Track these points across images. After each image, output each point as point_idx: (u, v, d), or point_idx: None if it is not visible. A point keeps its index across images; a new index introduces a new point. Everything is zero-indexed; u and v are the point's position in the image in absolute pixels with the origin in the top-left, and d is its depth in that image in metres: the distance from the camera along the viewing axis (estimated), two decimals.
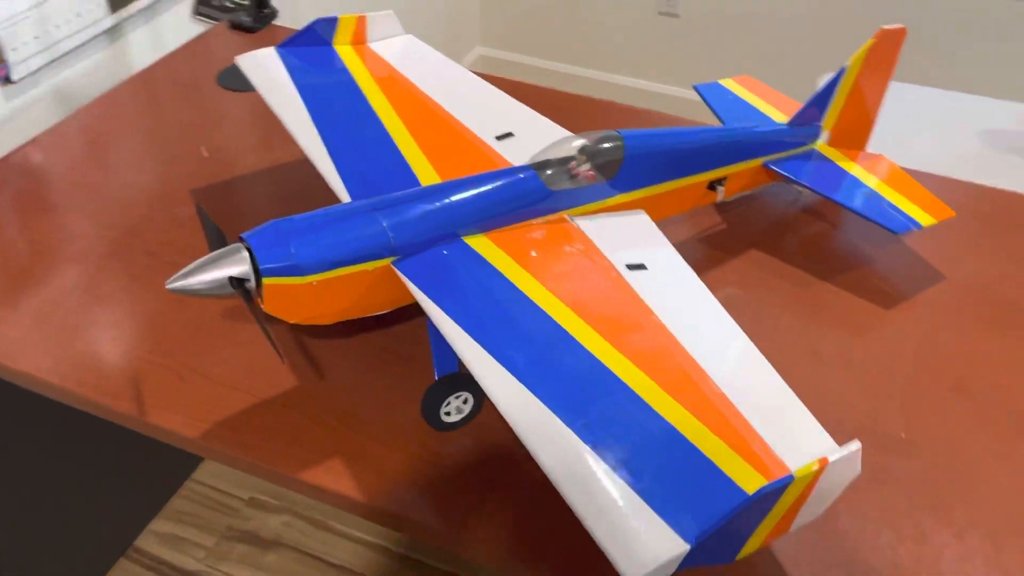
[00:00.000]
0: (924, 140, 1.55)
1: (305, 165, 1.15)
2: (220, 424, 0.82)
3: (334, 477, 0.78)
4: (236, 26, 1.47)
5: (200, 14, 1.60)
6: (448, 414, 0.80)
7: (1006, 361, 0.90)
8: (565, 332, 0.71)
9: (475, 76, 1.07)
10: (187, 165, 1.16)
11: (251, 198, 1.11)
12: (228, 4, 1.64)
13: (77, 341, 0.90)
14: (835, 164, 1.04)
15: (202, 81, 1.35)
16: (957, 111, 1.65)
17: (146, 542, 1.64)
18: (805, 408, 0.67)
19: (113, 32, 1.45)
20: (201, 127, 1.24)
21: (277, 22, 1.50)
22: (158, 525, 1.67)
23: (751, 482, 0.60)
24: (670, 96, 2.87)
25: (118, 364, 0.88)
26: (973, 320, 0.95)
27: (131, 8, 1.46)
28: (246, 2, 1.64)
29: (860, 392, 0.87)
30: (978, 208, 1.12)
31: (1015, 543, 0.73)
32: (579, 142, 0.85)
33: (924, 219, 0.96)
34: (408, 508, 0.76)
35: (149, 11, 1.52)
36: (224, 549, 1.63)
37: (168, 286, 0.70)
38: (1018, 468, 0.80)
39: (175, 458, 1.74)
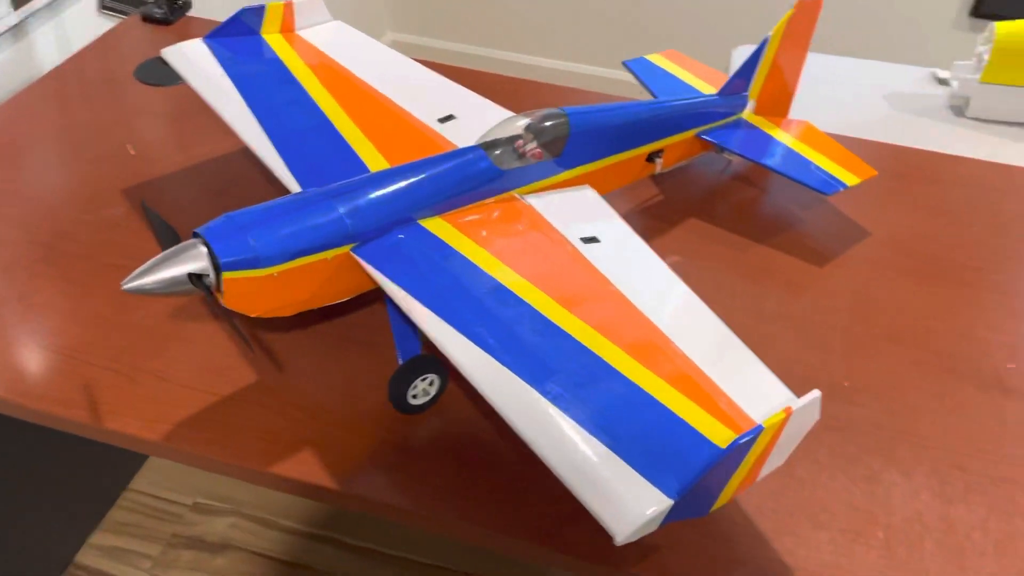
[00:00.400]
0: (837, 105, 1.62)
1: (237, 157, 1.14)
2: (181, 424, 0.81)
3: (305, 468, 0.78)
4: (148, 18, 1.42)
5: (107, 8, 1.54)
6: (415, 397, 0.80)
7: (932, 307, 0.96)
8: (529, 306, 0.72)
9: (410, 60, 1.07)
10: (114, 164, 1.12)
11: (187, 193, 1.08)
12: None
13: (19, 352, 0.87)
14: (762, 131, 1.08)
15: (118, 77, 1.31)
16: (864, 77, 1.73)
17: (87, 557, 1.59)
18: (763, 363, 0.70)
19: (16, 31, 1.38)
20: (123, 124, 1.20)
21: (190, 13, 1.46)
22: (99, 538, 1.62)
23: (722, 436, 0.63)
24: (586, 75, 2.91)
25: (66, 372, 0.85)
26: (899, 272, 1.01)
27: (34, 4, 1.39)
28: None
29: (803, 346, 0.91)
30: (894, 167, 1.18)
31: (956, 476, 0.79)
32: (524, 121, 0.86)
33: (849, 179, 1.02)
34: (381, 492, 0.76)
35: (53, 7, 1.45)
36: (171, 557, 1.60)
37: (124, 286, 0.68)
38: (953, 406, 0.85)
39: (111, 468, 1.69)
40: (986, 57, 1.52)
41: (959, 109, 1.62)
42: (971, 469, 0.80)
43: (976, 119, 1.59)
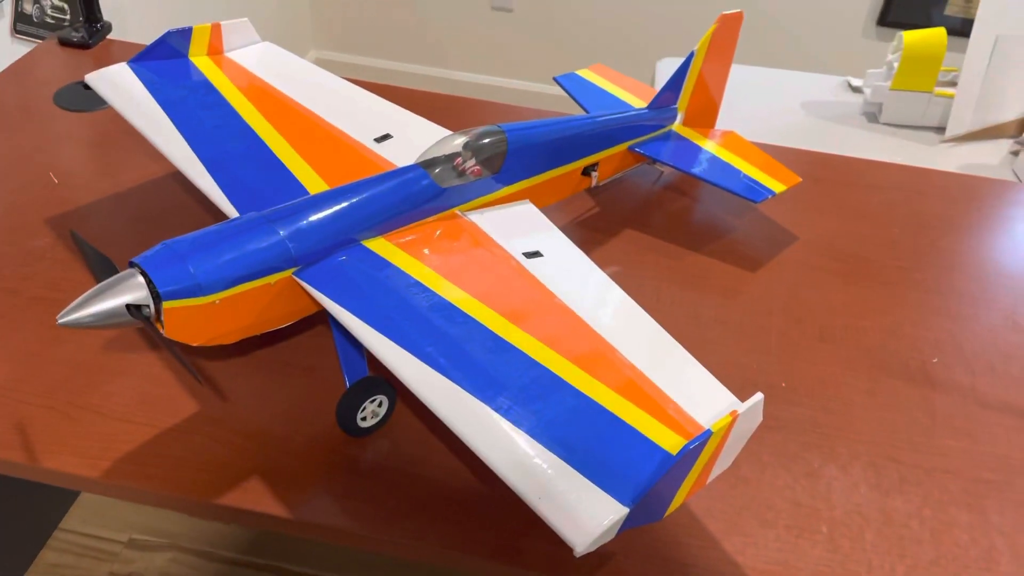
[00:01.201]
0: (759, 114, 1.67)
1: (167, 183, 1.11)
2: (121, 460, 0.78)
3: (252, 497, 0.76)
4: (66, 42, 1.38)
5: (20, 32, 1.49)
6: (364, 419, 0.80)
7: (860, 307, 1.00)
8: (476, 322, 0.72)
9: (343, 80, 1.06)
10: (37, 194, 1.08)
11: (115, 222, 1.05)
12: (49, 20, 1.54)
13: None
14: (692, 142, 1.11)
15: (36, 103, 1.26)
16: (783, 86, 1.80)
17: None
18: (705, 369, 0.72)
19: None
20: (44, 152, 1.16)
21: (110, 36, 1.42)
22: None
23: (672, 442, 0.64)
24: (508, 89, 2.93)
25: None
26: (828, 274, 1.05)
27: None
28: (67, 17, 1.54)
29: (741, 350, 0.94)
30: (815, 172, 1.23)
31: (891, 468, 0.82)
32: (463, 139, 0.87)
33: (776, 186, 1.05)
34: (333, 517, 0.76)
35: None
36: None
37: (60, 321, 0.66)
38: (884, 401, 0.89)
39: (39, 508, 1.62)
40: (895, 65, 1.59)
41: (873, 115, 1.69)
42: (905, 461, 0.83)
43: (889, 124, 1.66)
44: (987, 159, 1.58)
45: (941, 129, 1.64)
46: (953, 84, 1.63)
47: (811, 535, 0.76)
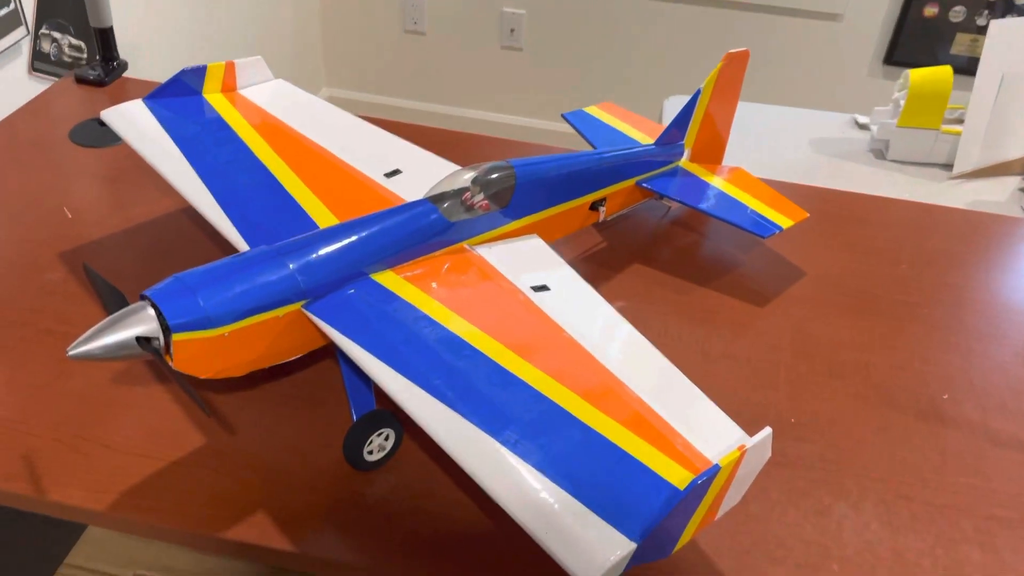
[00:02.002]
0: (767, 151, 1.68)
1: (179, 217, 1.12)
2: (127, 493, 0.78)
3: (258, 531, 0.76)
4: (82, 80, 1.40)
5: (38, 71, 1.52)
6: (371, 453, 0.80)
7: (868, 342, 1.00)
8: (485, 356, 0.73)
9: (353, 116, 1.08)
10: (49, 228, 1.10)
11: (128, 255, 1.06)
12: (66, 59, 1.57)
13: None
14: (699, 178, 1.12)
15: (52, 140, 1.28)
16: (790, 123, 1.81)
17: None
18: (714, 404, 0.72)
19: None
20: (59, 188, 1.18)
21: (125, 74, 1.45)
22: None
23: (680, 477, 0.64)
24: (518, 126, 2.96)
25: (5, 443, 0.82)
26: (834, 308, 1.05)
27: None
28: (84, 55, 1.57)
29: (749, 385, 0.93)
30: (823, 208, 1.23)
31: (903, 505, 0.81)
32: (471, 174, 0.88)
33: (783, 222, 1.05)
34: (339, 551, 0.75)
35: None
36: None
37: (70, 353, 0.66)
38: (895, 438, 0.88)
39: (44, 543, 1.61)
40: (902, 103, 1.61)
41: (880, 152, 1.70)
42: (916, 498, 0.82)
43: (896, 161, 1.67)
44: (994, 196, 1.58)
45: (948, 166, 1.64)
46: (960, 121, 1.63)
47: (822, 574, 0.75)
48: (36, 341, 0.93)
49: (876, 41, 2.55)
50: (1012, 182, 1.63)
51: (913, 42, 2.49)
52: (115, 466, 0.80)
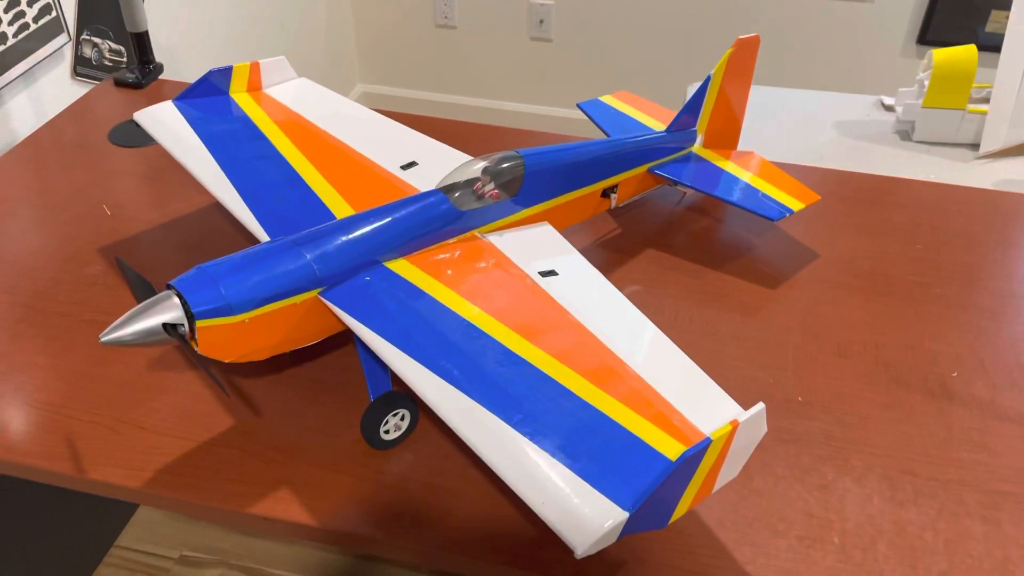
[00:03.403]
0: (791, 135, 1.69)
1: (211, 213, 1.18)
2: (161, 471, 0.83)
3: (283, 507, 0.81)
4: (121, 83, 1.47)
5: (80, 75, 1.59)
6: (387, 432, 0.84)
7: (879, 322, 1.01)
8: (491, 338, 0.76)
9: (372, 111, 1.12)
10: (90, 225, 1.16)
11: (162, 249, 1.12)
12: (107, 63, 1.64)
13: (3, 409, 0.90)
14: (712, 164, 1.14)
15: (92, 140, 1.35)
16: (815, 107, 1.80)
17: None
18: (713, 382, 0.74)
19: None
20: (99, 186, 1.24)
21: (162, 76, 1.51)
22: None
23: (674, 450, 0.66)
24: (549, 117, 2.98)
25: (49, 426, 0.88)
26: (847, 290, 1.06)
27: (9, 75, 1.44)
28: (124, 59, 1.64)
29: (757, 365, 0.95)
30: (839, 191, 1.24)
31: (907, 480, 0.83)
32: (482, 164, 0.91)
33: (795, 204, 1.07)
34: (358, 526, 0.79)
35: (27, 76, 1.50)
36: None
37: (102, 339, 0.71)
38: (901, 415, 0.90)
39: (96, 526, 1.69)
40: (926, 83, 1.59)
41: (905, 134, 1.69)
42: (920, 474, 0.84)
43: (923, 142, 1.66)
44: (1022, 175, 1.57)
45: (975, 146, 1.63)
46: (987, 100, 1.62)
47: (823, 546, 0.77)
48: (78, 331, 0.99)
49: (909, 21, 2.52)
50: None
51: (947, 21, 2.45)
52: (150, 446, 0.86)
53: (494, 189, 0.91)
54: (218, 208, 1.17)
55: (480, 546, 0.77)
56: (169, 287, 0.75)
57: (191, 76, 1.11)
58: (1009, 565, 0.76)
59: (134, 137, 1.33)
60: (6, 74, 1.44)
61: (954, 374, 0.94)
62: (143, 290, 0.77)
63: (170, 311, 0.73)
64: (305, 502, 0.81)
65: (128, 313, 0.73)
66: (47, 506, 1.52)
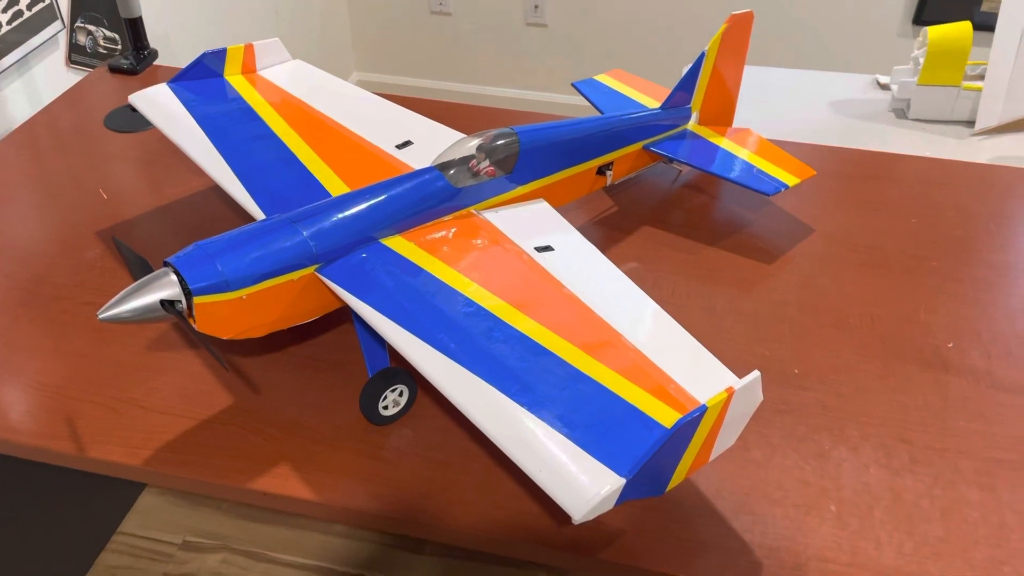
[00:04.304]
0: (787, 115, 1.69)
1: (208, 195, 1.18)
2: (161, 449, 0.84)
3: (283, 482, 0.81)
4: (116, 69, 1.47)
5: (75, 62, 1.58)
6: (386, 408, 0.84)
7: (873, 295, 1.01)
8: (488, 312, 0.76)
9: (366, 92, 1.12)
10: (88, 210, 1.16)
11: (159, 231, 1.12)
12: (101, 50, 1.64)
13: (5, 391, 0.90)
14: (707, 140, 1.14)
15: (88, 126, 1.35)
16: (811, 86, 1.80)
17: None
18: (709, 352, 0.75)
19: None
20: (95, 171, 1.24)
21: (156, 62, 1.51)
22: None
23: (670, 417, 0.67)
24: (545, 102, 2.98)
25: (50, 407, 0.88)
26: (842, 264, 1.06)
27: (3, 63, 1.44)
28: (119, 46, 1.64)
29: (754, 338, 0.96)
30: (835, 167, 1.24)
31: (902, 449, 0.84)
32: (476, 141, 0.91)
33: (790, 180, 1.07)
34: (358, 501, 0.80)
35: (21, 64, 1.50)
36: None
37: (100, 316, 0.72)
38: (897, 385, 0.90)
39: (99, 512, 1.70)
40: (921, 61, 1.59)
41: (901, 112, 1.69)
42: (916, 442, 0.84)
43: (918, 120, 1.66)
44: (1019, 151, 1.57)
45: (971, 123, 1.63)
46: (981, 77, 1.62)
47: (819, 513, 0.78)
48: (77, 313, 0.99)
49: (905, 1, 2.51)
50: None
51: (943, 0, 2.45)
52: (150, 425, 0.86)
53: (489, 166, 0.91)
54: (214, 192, 1.17)
55: (480, 519, 0.78)
56: (166, 264, 0.75)
57: (185, 63, 1.11)
58: (1005, 531, 0.76)
59: (130, 122, 1.33)
60: (0, 62, 1.43)
61: (950, 345, 0.95)
62: (140, 268, 0.77)
63: (167, 288, 0.73)
64: (305, 478, 0.81)
65: (125, 290, 0.73)
66: (50, 493, 1.53)
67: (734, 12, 1.09)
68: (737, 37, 1.11)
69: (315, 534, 1.69)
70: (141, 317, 0.73)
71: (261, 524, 1.71)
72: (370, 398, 0.83)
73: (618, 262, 0.85)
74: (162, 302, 0.73)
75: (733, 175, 1.07)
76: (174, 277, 0.74)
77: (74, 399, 0.89)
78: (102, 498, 1.69)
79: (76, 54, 1.62)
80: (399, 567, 1.64)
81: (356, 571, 1.64)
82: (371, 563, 1.64)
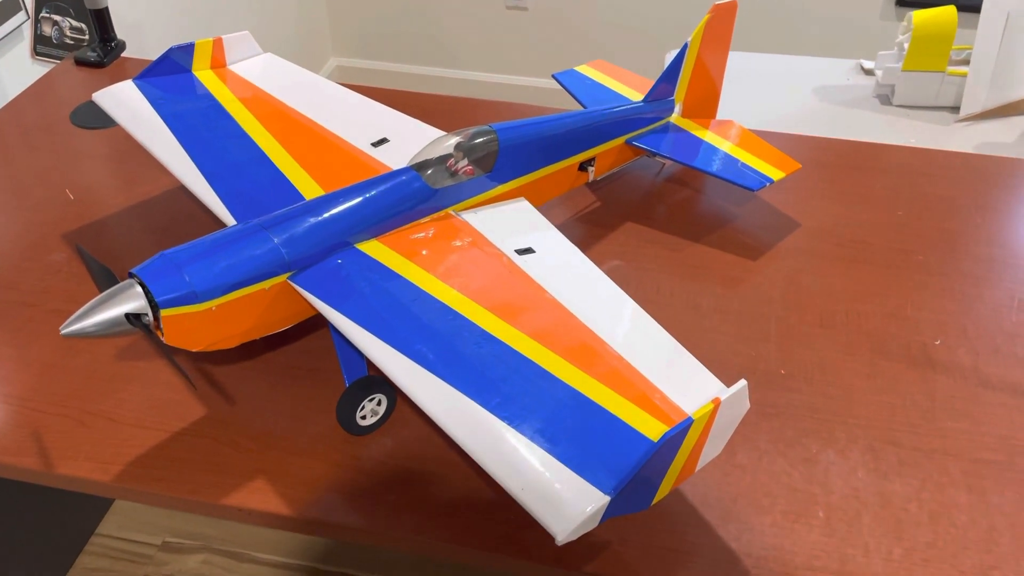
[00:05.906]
0: (769, 102, 1.66)
1: (175, 196, 1.14)
2: (132, 463, 0.81)
3: (259, 496, 0.79)
4: (82, 62, 1.42)
5: (41, 54, 1.54)
6: (364, 418, 0.82)
7: (859, 291, 1.00)
8: (467, 320, 0.74)
9: (340, 87, 1.08)
10: (54, 210, 1.12)
11: (126, 235, 1.09)
12: (68, 41, 1.59)
13: None
14: (690, 134, 1.12)
15: (53, 122, 1.31)
16: (794, 72, 1.78)
17: None
18: (694, 358, 0.73)
19: None
20: (61, 169, 1.20)
21: (125, 54, 1.46)
22: None
23: (655, 430, 0.65)
24: (527, 87, 2.94)
25: (14, 421, 0.85)
26: (828, 259, 1.05)
27: None
28: (86, 37, 1.59)
29: (739, 338, 0.94)
30: (820, 158, 1.22)
31: (890, 451, 0.82)
32: (454, 140, 0.88)
33: (775, 174, 1.05)
34: (336, 514, 0.78)
35: None
36: None
37: (63, 331, 0.69)
38: (884, 385, 0.89)
39: (76, 514, 1.67)
40: (906, 46, 1.58)
41: (886, 98, 1.67)
42: (904, 444, 0.83)
43: (903, 106, 1.64)
44: (1003, 137, 1.56)
45: (956, 109, 1.61)
46: (966, 63, 1.60)
47: (808, 520, 0.77)
48: (43, 321, 0.96)
49: None
50: (1021, 123, 1.59)
51: None
52: (120, 438, 0.83)
53: (468, 165, 0.89)
54: (187, 190, 1.13)
55: (461, 531, 0.76)
56: (131, 275, 0.72)
57: (156, 54, 1.08)
58: (994, 534, 0.75)
59: (97, 118, 1.29)
60: None
61: (937, 342, 0.94)
62: (105, 279, 0.74)
63: (132, 300, 0.70)
64: (281, 491, 0.79)
65: (89, 303, 0.70)
66: (24, 496, 1.50)
67: (717, 2, 1.06)
68: (721, 27, 1.09)
69: (297, 534, 1.67)
70: (106, 332, 0.70)
71: (243, 524, 1.69)
72: (347, 408, 0.81)
73: (600, 260, 0.83)
74: (128, 316, 0.70)
75: (717, 170, 1.05)
76: (139, 289, 0.71)
77: (40, 411, 0.86)
78: (78, 499, 1.66)
79: (42, 45, 1.58)
80: (384, 564, 1.62)
81: (341, 569, 1.62)
82: (356, 561, 1.62)
